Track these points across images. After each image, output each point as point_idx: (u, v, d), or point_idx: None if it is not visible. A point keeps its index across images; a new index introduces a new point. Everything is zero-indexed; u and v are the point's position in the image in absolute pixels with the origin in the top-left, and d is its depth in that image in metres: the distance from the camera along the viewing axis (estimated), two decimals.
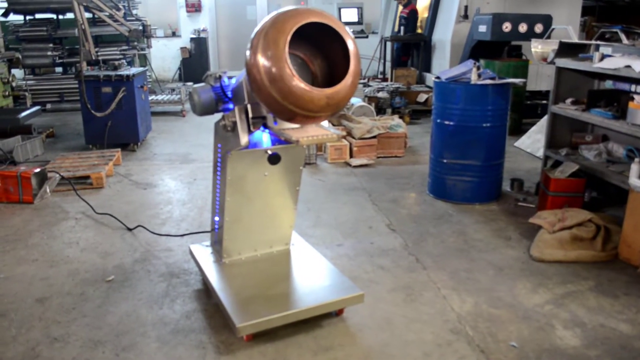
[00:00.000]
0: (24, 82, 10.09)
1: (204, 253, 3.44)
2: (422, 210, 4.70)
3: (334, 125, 6.72)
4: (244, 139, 2.59)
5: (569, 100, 4.71)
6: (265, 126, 2.64)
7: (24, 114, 5.01)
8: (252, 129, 2.61)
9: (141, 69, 7.48)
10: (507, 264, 3.68)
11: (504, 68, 7.17)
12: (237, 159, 2.89)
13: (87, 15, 6.77)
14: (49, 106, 9.89)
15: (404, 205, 4.84)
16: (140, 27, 8.99)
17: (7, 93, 6.50)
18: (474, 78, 4.64)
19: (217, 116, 2.87)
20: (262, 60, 2.17)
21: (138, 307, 3.24)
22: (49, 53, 9.15)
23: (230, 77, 2.85)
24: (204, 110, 2.83)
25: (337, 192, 5.23)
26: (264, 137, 2.86)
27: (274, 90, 2.16)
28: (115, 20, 6.35)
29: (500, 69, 7.10)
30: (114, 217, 4.57)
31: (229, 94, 2.80)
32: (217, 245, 3.35)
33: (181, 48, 13.33)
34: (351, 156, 6.28)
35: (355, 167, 6.02)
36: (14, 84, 6.76)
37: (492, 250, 3.89)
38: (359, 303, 2.96)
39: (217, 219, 3.28)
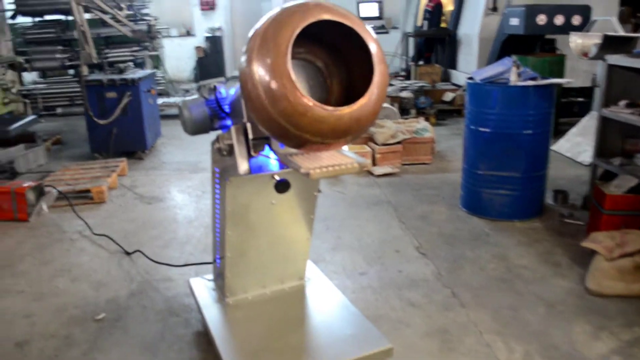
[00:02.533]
0: (34, 86, 9.78)
1: (204, 290, 2.97)
2: (455, 228, 4.16)
3: None
4: (242, 166, 2.10)
5: (622, 103, 4.12)
6: (270, 148, 2.15)
7: (14, 125, 4.60)
8: (253, 153, 2.12)
9: (148, 71, 7.06)
10: (560, 298, 3.14)
11: (539, 64, 6.56)
12: (238, 186, 2.40)
13: (90, 16, 6.37)
14: (59, 110, 9.56)
15: (434, 222, 4.31)
16: (145, 28, 8.57)
17: (7, 100, 6.12)
18: (513, 78, 4.08)
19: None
20: (258, 71, 1.67)
21: (129, 356, 2.78)
22: (58, 55, 8.78)
23: (229, 88, 2.36)
24: (196, 128, 2.35)
25: (359, 206, 4.72)
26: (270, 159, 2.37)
27: (274, 110, 1.67)
28: (118, 21, 5.92)
29: (534, 65, 6.49)
30: (112, 240, 4.13)
31: (226, 108, 2.32)
32: (220, 281, 2.88)
33: (196, 47, 12.92)
34: (374, 164, 5.76)
35: (378, 176, 5.51)
36: (14, 90, 6.39)
37: (540, 280, 3.35)
38: (388, 358, 2.45)
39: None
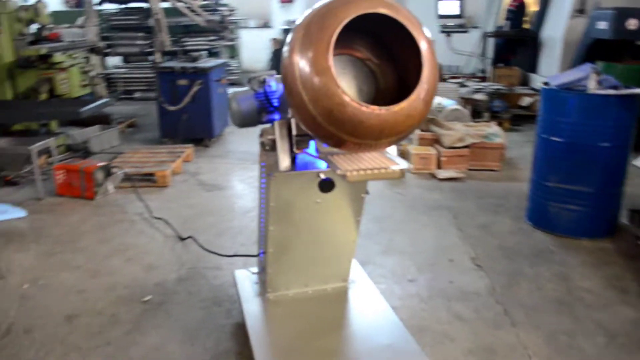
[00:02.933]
0: (115, 70, 10.24)
1: (247, 282, 2.95)
2: (516, 242, 3.93)
3: (422, 129, 6.03)
4: (284, 162, 2.04)
5: None
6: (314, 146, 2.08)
7: (85, 107, 4.79)
8: (295, 149, 2.05)
9: (220, 60, 7.18)
10: (623, 329, 2.87)
11: (626, 72, 6.07)
12: (282, 182, 2.35)
13: (168, 5, 6.54)
14: (137, 95, 9.95)
15: (496, 233, 4.09)
16: (219, 18, 8.72)
17: (85, 82, 6.42)
18: (592, 86, 3.78)
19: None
20: (299, 64, 1.60)
21: (168, 340, 2.81)
22: (138, 42, 9.15)
23: (280, 82, 2.31)
24: (244, 121, 2.31)
25: (418, 210, 4.57)
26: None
27: (313, 107, 1.59)
28: (193, 11, 6.05)
29: (621, 72, 6.02)
30: (168, 224, 4.22)
31: (275, 102, 2.27)
32: (262, 275, 2.85)
33: (272, 39, 13.05)
34: (438, 167, 5.56)
35: (442, 180, 5.31)
36: (93, 73, 6.69)
37: (603, 306, 3.08)
38: None
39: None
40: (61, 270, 3.58)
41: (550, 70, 7.87)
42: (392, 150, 2.16)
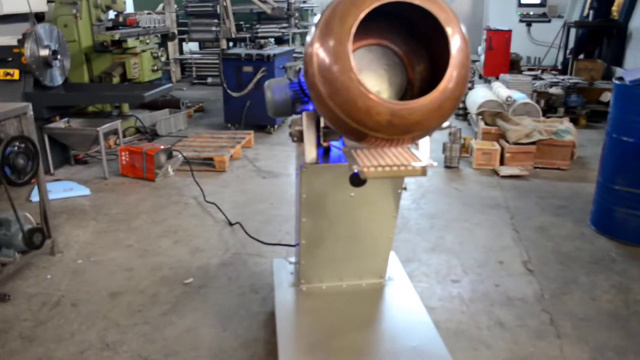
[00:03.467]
0: (190, 55, 10.54)
1: (284, 272, 2.93)
2: (575, 247, 3.67)
3: (487, 124, 5.77)
4: (310, 154, 1.99)
5: None
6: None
7: (147, 93, 4.95)
8: (322, 142, 1.99)
9: (286, 48, 7.20)
10: None
11: None
12: (313, 174, 2.30)
13: None
14: (209, 80, 10.20)
15: (553, 236, 3.84)
16: (285, 6, 8.72)
17: (155, 67, 6.64)
18: None
19: None
20: (319, 53, 1.53)
21: (201, 323, 2.86)
22: (213, 28, 9.35)
23: None
24: (278, 110, 2.28)
25: (473, 207, 4.37)
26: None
27: (331, 100, 1.52)
28: None
29: None
30: (219, 209, 4.28)
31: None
32: (297, 266, 2.83)
33: None
34: (501, 163, 5.30)
35: (503, 177, 5.06)
36: (163, 59, 6.91)
37: None
38: None
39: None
40: (113, 248, 3.73)
41: (638, 63, 7.29)
42: (424, 144, 2.06)
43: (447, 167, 5.34)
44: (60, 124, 5.24)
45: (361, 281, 2.78)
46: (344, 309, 2.64)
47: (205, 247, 3.71)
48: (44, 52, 4.92)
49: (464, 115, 7.20)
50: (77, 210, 4.40)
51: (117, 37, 6.06)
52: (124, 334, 2.81)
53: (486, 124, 5.78)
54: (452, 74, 1.53)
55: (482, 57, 9.99)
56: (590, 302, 2.99)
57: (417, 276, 3.29)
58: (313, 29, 1.62)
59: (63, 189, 4.79)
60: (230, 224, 4.04)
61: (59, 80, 5.09)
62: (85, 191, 4.76)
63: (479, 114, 5.95)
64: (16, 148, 3.21)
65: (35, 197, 4.64)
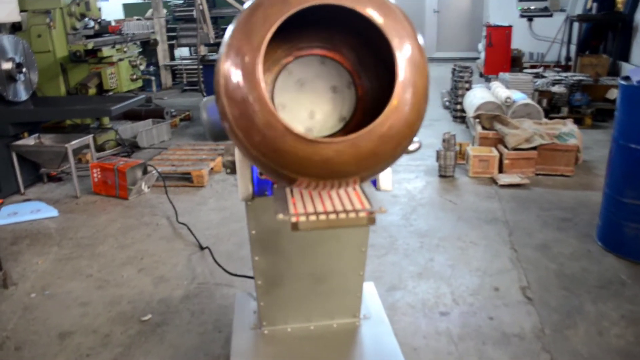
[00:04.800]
0: (179, 62, 10.23)
1: (246, 310, 2.59)
2: (581, 268, 3.30)
3: (484, 128, 5.40)
4: (244, 189, 1.66)
5: None
6: None
7: (115, 107, 4.64)
8: (260, 175, 1.65)
9: None
10: None
11: None
12: (260, 208, 1.96)
13: None
14: (202, 86, 9.87)
15: (556, 256, 3.47)
16: None
17: (134, 77, 6.33)
18: None
19: None
20: (225, 71, 1.20)
21: None
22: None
23: None
24: (216, 134, 1.93)
25: (468, 222, 4.01)
26: None
27: (241, 132, 1.18)
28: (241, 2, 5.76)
29: None
30: (190, 231, 3.95)
31: None
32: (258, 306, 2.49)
33: None
34: (500, 171, 4.94)
35: (502, 186, 4.69)
36: (142, 67, 6.59)
37: None
38: None
39: None
40: (72, 279, 3.41)
41: None
42: (385, 176, 1.71)
43: (441, 176, 4.98)
44: (29, 140, 4.94)
45: (332, 321, 2.44)
46: (311, 354, 2.30)
47: (170, 276, 3.38)
48: (7, 66, 4.62)
49: (461, 118, 6.83)
50: (41, 235, 4.09)
51: (90, 46, 5.75)
52: None
53: (484, 127, 5.42)
54: (403, 87, 1.19)
55: (482, 55, 9.61)
56: (597, 337, 2.63)
57: (401, 308, 2.94)
58: (225, 36, 1.28)
59: (30, 211, 4.48)
60: (201, 248, 3.71)
61: (23, 95, 4.79)
62: (53, 212, 4.45)
63: (475, 117, 5.59)
64: None
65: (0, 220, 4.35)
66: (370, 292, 2.69)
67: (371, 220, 1.34)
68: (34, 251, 3.82)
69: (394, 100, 1.15)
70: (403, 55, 1.18)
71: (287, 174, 1.20)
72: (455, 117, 7.04)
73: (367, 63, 1.50)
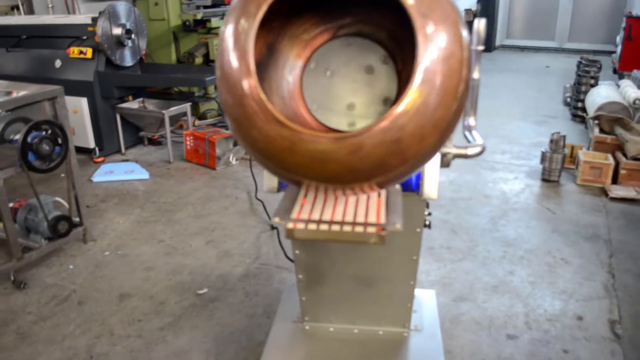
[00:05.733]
0: None
1: (293, 301, 2.47)
2: None
3: (603, 131, 4.80)
4: (269, 182, 1.51)
5: None
6: None
7: (210, 77, 4.68)
8: None
9: None
10: None
11: None
12: None
13: None
14: None
15: None
16: None
17: None
18: None
19: None
20: (221, 60, 1.05)
21: (195, 346, 2.52)
22: None
23: None
24: None
25: (564, 236, 3.58)
26: None
27: (233, 121, 1.04)
28: None
29: None
30: (265, 209, 3.91)
31: None
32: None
33: (465, 10, 11.95)
34: (614, 182, 4.36)
35: (613, 199, 4.14)
36: None
37: None
38: None
39: None
40: (145, 242, 3.51)
41: None
42: (430, 180, 1.48)
43: (544, 180, 4.51)
44: (134, 104, 5.18)
45: (378, 328, 2.25)
46: (349, 359, 2.14)
47: (235, 252, 3.36)
48: (117, 31, 4.83)
49: (581, 117, 6.15)
50: (129, 195, 4.28)
51: (199, 16, 5.87)
52: (113, 345, 2.54)
53: (602, 130, 4.81)
54: (425, 85, 0.97)
55: (619, 48, 8.62)
56: None
57: (464, 322, 2.67)
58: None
59: (125, 171, 4.70)
60: (272, 228, 3.66)
61: (130, 61, 5.00)
62: (145, 175, 4.64)
63: (594, 117, 4.98)
64: (44, 133, 3.05)
65: (97, 177, 4.61)
66: (428, 301, 2.45)
67: (380, 239, 1.14)
68: (118, 210, 4.00)
69: (408, 93, 0.94)
70: (429, 40, 0.96)
71: (285, 174, 1.04)
72: (574, 116, 6.36)
73: (401, 35, 1.27)
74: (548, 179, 4.50)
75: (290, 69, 1.32)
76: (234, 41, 1.02)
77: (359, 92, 1.32)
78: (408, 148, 0.98)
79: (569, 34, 11.76)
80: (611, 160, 4.40)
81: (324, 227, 1.13)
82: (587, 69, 6.25)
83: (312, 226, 1.13)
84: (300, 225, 1.13)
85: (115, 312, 2.79)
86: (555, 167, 4.46)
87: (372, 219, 1.15)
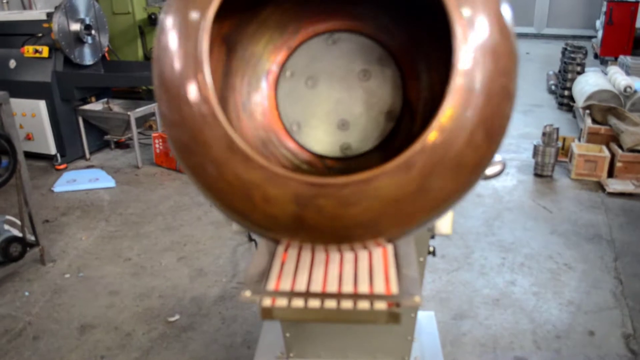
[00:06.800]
0: None
1: (274, 332, 2.19)
2: None
3: (595, 121, 4.58)
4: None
5: None
6: None
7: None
8: None
9: None
10: None
11: None
12: None
13: None
14: None
15: None
16: None
17: None
18: None
19: None
20: (157, 64, 0.75)
21: None
22: None
23: None
24: None
25: (564, 237, 3.34)
26: None
27: (177, 149, 0.74)
28: None
29: None
30: None
31: None
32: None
33: None
34: (610, 175, 4.15)
35: (611, 194, 3.92)
36: None
37: None
38: None
39: None
40: (110, 261, 3.18)
41: None
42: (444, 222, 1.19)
43: (537, 175, 4.27)
44: (97, 105, 4.80)
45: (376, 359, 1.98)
46: None
47: (209, 270, 3.05)
48: (75, 27, 4.44)
49: (568, 105, 5.95)
50: (93, 207, 3.92)
51: None
52: None
53: (595, 121, 4.60)
54: (468, 92, 0.68)
55: (600, 33, 8.46)
56: None
57: (467, 344, 2.41)
58: None
59: (89, 179, 4.34)
60: (250, 240, 3.35)
61: (89, 59, 4.61)
62: (111, 183, 4.28)
63: (586, 107, 4.76)
64: None
65: (58, 186, 4.25)
66: (428, 325, 2.19)
67: (393, 317, 0.85)
68: (81, 224, 3.65)
69: (446, 108, 0.65)
70: (468, 25, 0.66)
71: (252, 229, 0.74)
72: (561, 105, 6.15)
73: (424, 46, 0.98)
74: (541, 174, 4.27)
75: (261, 76, 1.02)
76: (179, 35, 0.72)
77: (353, 105, 1.02)
78: (440, 189, 0.69)
79: (547, 20, 11.60)
80: (606, 153, 4.18)
81: (314, 303, 0.84)
82: (572, 55, 6.03)
83: (298, 302, 0.84)
84: (281, 302, 0.84)
85: (74, 348, 2.47)
86: (549, 161, 4.23)
87: (379, 287, 0.86)
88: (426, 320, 2.21)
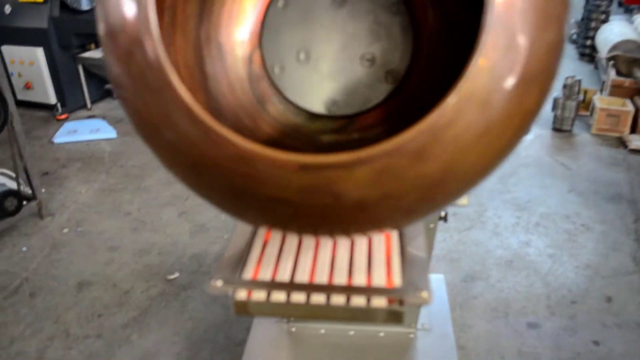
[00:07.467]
0: None
1: None
2: None
3: (620, 73, 4.33)
4: None
5: None
6: None
7: None
8: None
9: None
10: None
11: None
12: None
13: None
14: None
15: None
16: None
17: None
18: None
19: None
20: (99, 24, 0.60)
21: (163, 348, 2.14)
22: None
23: None
24: None
25: (583, 196, 3.19)
26: None
27: (131, 114, 0.60)
28: None
29: None
30: None
31: None
32: None
33: None
34: (633, 131, 3.95)
35: (633, 151, 3.73)
36: None
37: None
38: None
39: None
40: (110, 215, 3.09)
41: None
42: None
43: (555, 129, 4.08)
44: (97, 52, 4.61)
45: (379, 329, 1.87)
46: None
47: (211, 226, 2.95)
48: None
49: (590, 56, 5.66)
50: (93, 158, 3.81)
51: None
52: (68, 350, 2.16)
53: (619, 73, 4.35)
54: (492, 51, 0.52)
55: None
56: None
57: (477, 308, 2.31)
58: None
59: (90, 130, 4.21)
60: None
61: (86, 4, 4.39)
62: (112, 134, 4.15)
63: (610, 58, 4.50)
64: None
65: (59, 138, 4.12)
66: (437, 289, 2.07)
67: (395, 316, 0.72)
68: (81, 177, 3.55)
69: (479, 60, 0.49)
70: None
71: (232, 213, 0.60)
72: (582, 55, 5.87)
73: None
74: (560, 128, 4.07)
75: (249, 9, 0.86)
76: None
77: (347, 57, 0.86)
78: (465, 169, 0.55)
79: None
80: (630, 107, 3.96)
81: (298, 297, 0.70)
82: (597, 2, 5.69)
83: (279, 296, 0.70)
84: (259, 295, 0.70)
85: (72, 306, 2.40)
86: (569, 115, 4.02)
87: (379, 279, 0.72)
88: (435, 283, 2.10)
